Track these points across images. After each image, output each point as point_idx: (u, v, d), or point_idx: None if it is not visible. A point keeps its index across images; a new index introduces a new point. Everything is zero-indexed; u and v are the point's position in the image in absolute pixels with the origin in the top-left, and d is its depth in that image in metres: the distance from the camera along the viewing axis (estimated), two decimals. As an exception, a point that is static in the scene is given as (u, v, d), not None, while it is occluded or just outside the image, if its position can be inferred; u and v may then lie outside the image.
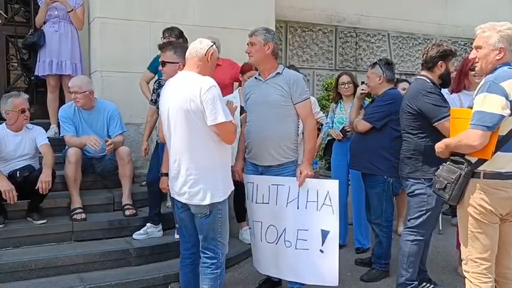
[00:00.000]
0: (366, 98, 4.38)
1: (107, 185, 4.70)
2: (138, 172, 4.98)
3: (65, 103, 4.88)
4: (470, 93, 3.24)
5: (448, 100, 3.44)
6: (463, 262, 2.79)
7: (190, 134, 2.82)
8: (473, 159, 2.62)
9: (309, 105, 3.39)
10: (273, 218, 3.33)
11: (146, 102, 4.56)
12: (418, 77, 3.50)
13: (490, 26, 2.64)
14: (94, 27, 5.40)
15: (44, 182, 3.81)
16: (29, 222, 3.99)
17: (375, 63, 3.99)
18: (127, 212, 4.26)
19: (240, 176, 3.51)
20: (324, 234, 3.15)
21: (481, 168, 2.60)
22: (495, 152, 2.54)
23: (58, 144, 4.52)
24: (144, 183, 4.62)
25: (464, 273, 2.78)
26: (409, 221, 3.48)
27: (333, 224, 3.14)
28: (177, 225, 3.62)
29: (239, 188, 3.48)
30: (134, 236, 4.10)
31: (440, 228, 5.00)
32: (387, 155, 3.78)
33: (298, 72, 3.82)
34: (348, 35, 7.49)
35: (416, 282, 3.49)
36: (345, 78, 4.62)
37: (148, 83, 4.87)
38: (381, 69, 3.89)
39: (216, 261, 2.97)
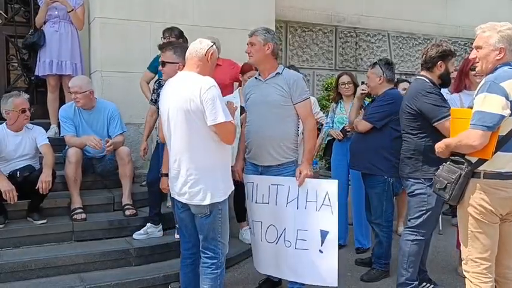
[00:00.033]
0: (366, 98, 4.38)
1: (107, 185, 4.70)
2: (138, 172, 4.98)
3: (65, 103, 4.88)
4: (471, 93, 3.24)
5: (449, 100, 3.44)
6: (463, 262, 2.80)
7: (190, 134, 2.82)
8: (474, 159, 2.62)
9: (309, 105, 3.38)
10: (273, 218, 3.33)
11: (146, 102, 4.56)
12: (417, 77, 3.50)
13: (490, 26, 2.64)
14: (94, 27, 5.40)
15: (44, 182, 3.81)
16: (29, 222, 3.99)
17: (375, 63, 3.99)
18: (127, 212, 4.26)
19: (240, 176, 3.51)
20: (323, 234, 3.14)
21: (481, 168, 2.60)
22: (495, 152, 2.55)
23: (58, 144, 4.52)
24: (144, 183, 4.62)
25: (465, 273, 2.78)
26: (409, 220, 3.48)
27: (332, 225, 3.13)
28: (177, 225, 3.62)
29: (239, 188, 3.47)
30: (134, 236, 4.10)
31: (441, 228, 5.00)
32: (387, 155, 3.78)
33: (298, 72, 3.82)
34: (348, 35, 7.48)
35: (416, 282, 3.49)
36: (345, 78, 4.62)
37: (148, 83, 4.87)
38: (381, 69, 3.89)
39: (216, 261, 2.97)
